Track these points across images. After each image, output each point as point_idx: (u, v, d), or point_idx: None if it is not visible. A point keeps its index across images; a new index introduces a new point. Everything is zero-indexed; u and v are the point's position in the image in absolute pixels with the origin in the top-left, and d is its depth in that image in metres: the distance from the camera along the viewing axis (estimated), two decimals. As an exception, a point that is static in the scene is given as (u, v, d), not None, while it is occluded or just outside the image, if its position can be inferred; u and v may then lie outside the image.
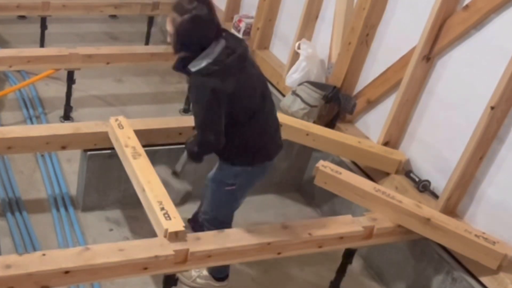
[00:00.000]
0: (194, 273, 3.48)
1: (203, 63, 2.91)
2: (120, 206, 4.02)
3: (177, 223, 2.98)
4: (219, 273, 3.49)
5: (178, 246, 2.92)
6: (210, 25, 2.95)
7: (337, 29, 4.42)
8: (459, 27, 3.50)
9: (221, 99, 2.92)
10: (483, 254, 3.20)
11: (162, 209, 3.03)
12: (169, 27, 2.94)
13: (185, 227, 2.99)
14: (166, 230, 2.93)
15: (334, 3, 4.45)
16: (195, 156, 3.16)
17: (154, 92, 5.53)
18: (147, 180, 3.22)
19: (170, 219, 2.99)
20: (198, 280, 3.49)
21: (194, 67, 2.94)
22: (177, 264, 2.93)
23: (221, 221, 3.34)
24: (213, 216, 3.35)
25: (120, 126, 3.64)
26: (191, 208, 3.70)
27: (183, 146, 3.26)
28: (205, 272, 3.49)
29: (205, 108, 2.95)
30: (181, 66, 3.00)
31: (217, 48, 2.93)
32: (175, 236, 2.95)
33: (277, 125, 3.28)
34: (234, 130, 3.04)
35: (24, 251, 3.48)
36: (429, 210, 3.42)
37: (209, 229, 3.26)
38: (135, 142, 3.51)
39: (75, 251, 2.83)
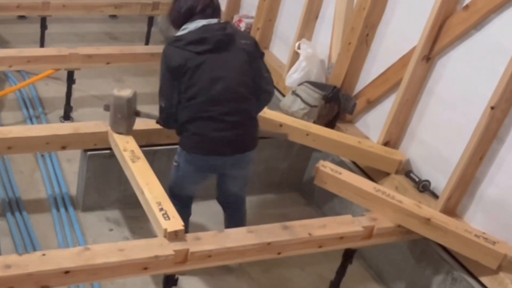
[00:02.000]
0: None
1: (174, 34, 3.21)
2: (120, 206, 4.02)
3: (176, 223, 2.98)
4: None
5: (178, 246, 2.92)
6: (196, 3, 3.18)
7: (337, 29, 4.42)
8: (459, 27, 3.50)
9: (173, 70, 3.11)
10: (483, 254, 3.20)
11: (161, 209, 3.04)
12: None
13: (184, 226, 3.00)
14: (166, 229, 2.93)
15: (334, 3, 4.45)
16: (160, 119, 3.36)
17: (154, 92, 5.46)
18: (146, 182, 3.23)
19: (169, 218, 3.00)
20: None
21: (169, 35, 3.28)
22: (177, 264, 2.93)
23: (174, 195, 3.34)
24: (169, 188, 3.39)
25: None
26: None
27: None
28: None
29: (161, 74, 3.22)
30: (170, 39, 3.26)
31: (192, 25, 3.16)
32: (174, 236, 2.95)
33: (227, 123, 3.15)
34: (182, 112, 3.16)
35: (24, 251, 3.48)
36: (429, 210, 3.42)
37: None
38: (133, 146, 3.52)
39: (75, 251, 2.83)
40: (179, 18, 3.22)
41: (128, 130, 3.58)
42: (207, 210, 4.00)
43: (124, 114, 3.50)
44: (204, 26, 3.15)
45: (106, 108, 3.58)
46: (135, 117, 3.60)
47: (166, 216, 3.00)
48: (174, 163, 3.36)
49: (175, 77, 3.13)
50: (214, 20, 3.21)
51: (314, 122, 4.20)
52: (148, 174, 3.30)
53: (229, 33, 3.19)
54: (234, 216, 3.61)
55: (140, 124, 3.84)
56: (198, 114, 3.15)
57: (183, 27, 3.19)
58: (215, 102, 3.13)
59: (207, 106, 3.12)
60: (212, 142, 3.17)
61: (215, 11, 3.24)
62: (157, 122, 3.43)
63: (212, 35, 3.13)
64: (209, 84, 3.12)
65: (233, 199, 3.57)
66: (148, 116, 3.56)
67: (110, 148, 3.71)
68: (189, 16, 3.19)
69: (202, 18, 3.18)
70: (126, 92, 3.50)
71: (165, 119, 3.31)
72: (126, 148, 3.50)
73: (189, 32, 3.15)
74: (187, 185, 3.41)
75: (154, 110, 5.16)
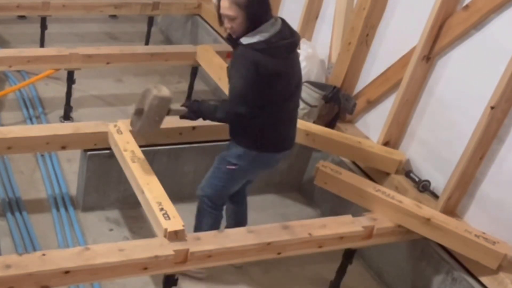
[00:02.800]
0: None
1: (254, 39, 2.98)
2: (120, 206, 4.02)
3: (176, 223, 2.98)
4: None
5: (178, 246, 2.92)
6: (268, 2, 3.06)
7: (337, 29, 4.42)
8: (459, 27, 3.50)
9: (261, 76, 2.98)
10: (483, 254, 3.20)
11: (162, 209, 3.04)
12: (231, 11, 2.97)
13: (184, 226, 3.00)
14: (166, 229, 2.93)
15: (334, 3, 4.45)
16: (214, 119, 3.15)
17: (154, 92, 5.52)
18: (146, 182, 3.23)
19: (169, 218, 3.00)
20: None
21: (245, 41, 3.00)
22: (177, 264, 2.94)
23: (214, 202, 3.35)
24: (207, 194, 3.36)
25: (119, 131, 3.64)
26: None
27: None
28: None
29: (245, 79, 2.99)
30: (235, 39, 3.06)
31: (271, 29, 3.01)
32: (174, 236, 2.95)
33: (295, 123, 3.32)
34: (258, 113, 3.07)
35: (24, 251, 3.48)
36: (429, 210, 3.42)
37: (201, 208, 3.35)
38: (134, 146, 3.52)
39: (75, 251, 2.83)
40: (261, 19, 3.01)
41: (155, 130, 3.28)
42: (207, 210, 3.99)
43: (163, 115, 3.16)
44: (281, 30, 3.04)
45: (139, 112, 3.16)
46: None
47: (166, 216, 3.01)
48: (230, 167, 3.26)
49: (265, 84, 3.00)
50: (278, 19, 3.11)
51: (314, 122, 4.20)
52: (148, 174, 3.30)
53: (297, 35, 3.17)
54: (241, 208, 3.66)
55: (140, 124, 3.84)
56: (284, 118, 3.19)
57: (260, 28, 3.00)
58: (295, 106, 3.23)
59: (291, 111, 3.21)
60: (286, 139, 3.27)
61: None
62: (182, 117, 3.22)
63: (294, 40, 3.10)
64: (292, 92, 3.17)
65: (243, 193, 3.62)
66: (178, 112, 3.22)
67: (110, 148, 3.71)
68: (265, 18, 3.03)
69: (270, 16, 3.07)
70: (166, 91, 3.13)
71: (234, 121, 3.17)
72: (127, 148, 3.50)
73: (273, 36, 3.00)
74: (237, 185, 3.40)
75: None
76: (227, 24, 3.04)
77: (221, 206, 3.44)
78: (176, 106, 3.22)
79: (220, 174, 3.32)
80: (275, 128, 3.19)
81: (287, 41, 3.05)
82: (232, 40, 3.08)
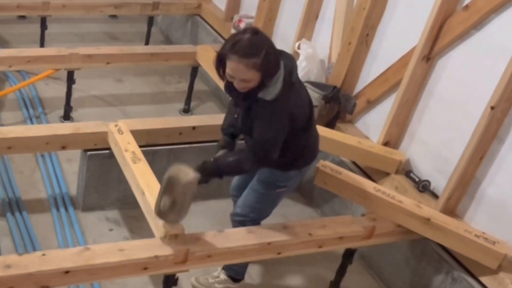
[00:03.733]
0: (211, 279, 3.49)
1: (276, 89, 2.80)
2: (120, 206, 4.02)
3: (176, 226, 2.98)
4: (239, 274, 3.50)
5: (178, 246, 2.92)
6: (274, 46, 2.85)
7: (337, 29, 4.42)
8: (459, 27, 3.50)
9: (293, 119, 2.89)
10: (483, 254, 3.20)
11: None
12: (247, 75, 2.74)
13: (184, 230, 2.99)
14: (166, 232, 2.93)
15: (334, 3, 4.45)
16: (241, 172, 3.16)
17: (154, 92, 5.53)
18: (147, 184, 3.23)
19: None
20: (217, 285, 3.48)
21: (269, 95, 2.80)
22: (177, 264, 2.94)
23: (258, 222, 3.32)
24: (250, 218, 3.28)
25: (120, 131, 3.65)
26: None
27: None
28: (222, 276, 3.49)
29: (278, 130, 2.86)
30: (245, 97, 2.87)
31: (280, 71, 2.83)
32: (174, 236, 2.95)
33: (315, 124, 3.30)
34: (291, 141, 2.99)
35: (24, 251, 3.48)
36: (429, 210, 3.42)
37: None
38: (134, 147, 3.52)
39: (75, 251, 2.83)
40: (274, 73, 2.82)
41: None
42: (207, 210, 4.00)
43: (194, 195, 2.88)
44: (284, 64, 2.87)
45: (172, 204, 2.84)
46: None
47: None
48: (280, 190, 3.21)
49: (296, 121, 2.92)
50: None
51: (314, 122, 4.20)
52: (148, 176, 3.30)
53: (290, 56, 3.05)
54: None
55: (140, 124, 3.84)
56: (313, 135, 3.19)
57: (275, 78, 2.82)
58: (313, 114, 3.15)
59: (313, 124, 3.16)
60: (314, 149, 3.26)
61: None
62: (201, 182, 2.89)
63: (296, 71, 2.97)
64: (308, 104, 3.06)
65: None
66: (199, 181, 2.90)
67: (110, 148, 3.71)
68: (279, 67, 2.84)
69: None
70: (190, 172, 2.81)
71: (265, 166, 3.09)
72: (128, 148, 3.50)
73: (285, 76, 2.84)
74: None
75: (154, 109, 5.19)
76: (238, 84, 2.80)
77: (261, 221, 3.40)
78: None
79: (270, 198, 3.26)
80: (312, 141, 3.20)
81: (294, 72, 2.92)
82: (243, 97, 2.87)
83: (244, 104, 2.92)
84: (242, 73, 2.74)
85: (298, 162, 3.16)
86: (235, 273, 3.48)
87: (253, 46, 2.72)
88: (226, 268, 3.47)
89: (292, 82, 2.88)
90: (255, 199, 3.25)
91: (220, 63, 2.83)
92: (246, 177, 3.37)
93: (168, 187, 2.79)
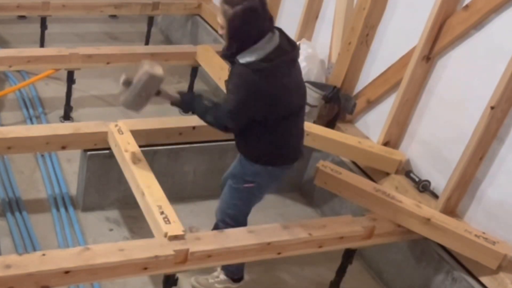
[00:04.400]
0: (211, 280, 3.50)
1: (252, 58, 2.87)
2: (120, 206, 4.02)
3: (176, 227, 2.98)
4: (236, 274, 3.50)
5: (178, 246, 2.92)
6: (262, 18, 2.89)
7: (337, 29, 4.42)
8: (459, 27, 3.50)
9: (258, 98, 2.90)
10: (483, 254, 3.20)
11: (162, 213, 3.04)
12: (220, 19, 2.90)
13: (184, 231, 3.00)
14: (166, 233, 2.93)
15: (334, 3, 4.45)
16: (203, 118, 3.12)
17: (154, 92, 5.52)
18: (147, 184, 3.23)
19: (169, 223, 2.99)
20: (217, 285, 3.49)
21: (242, 59, 2.88)
22: (177, 264, 2.94)
23: (237, 221, 3.31)
24: (228, 215, 3.30)
25: (120, 131, 3.64)
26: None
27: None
28: (222, 276, 3.49)
29: (240, 99, 2.92)
30: (229, 55, 2.96)
31: (269, 46, 2.89)
32: (175, 238, 2.95)
33: (303, 133, 3.28)
34: (264, 130, 3.03)
35: (24, 251, 3.48)
36: (429, 210, 3.42)
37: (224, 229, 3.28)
38: (134, 147, 3.52)
39: (75, 251, 2.83)
40: (254, 37, 2.89)
41: (141, 109, 3.16)
42: (207, 210, 4.00)
43: (151, 94, 3.08)
44: (280, 44, 2.94)
45: (127, 83, 3.08)
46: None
47: (167, 220, 3.01)
48: (247, 185, 3.19)
49: (262, 104, 2.93)
50: (275, 31, 2.99)
51: (314, 122, 4.20)
52: (149, 177, 3.30)
53: (297, 46, 3.09)
54: None
55: (140, 124, 3.84)
56: (293, 131, 3.15)
57: (256, 47, 2.88)
58: (302, 118, 3.17)
59: (299, 122, 3.16)
60: (297, 150, 3.23)
61: (272, 19, 3.03)
62: (172, 104, 3.19)
63: (295, 52, 3.01)
64: (297, 104, 3.09)
65: None
66: (168, 97, 3.17)
67: (110, 148, 3.71)
68: (264, 33, 2.90)
69: (269, 29, 2.93)
70: (159, 71, 3.07)
71: (219, 129, 3.12)
72: (128, 149, 3.50)
73: (271, 53, 2.89)
74: (256, 202, 3.36)
75: (154, 109, 5.19)
76: (219, 30, 2.97)
77: (245, 223, 3.38)
78: (170, 91, 3.20)
79: (240, 193, 3.25)
80: (288, 142, 3.15)
81: (287, 56, 2.95)
82: (226, 55, 2.98)
83: (229, 64, 3.01)
84: (218, 15, 2.92)
85: (264, 157, 3.13)
86: (232, 273, 3.48)
87: None
88: (224, 268, 3.48)
89: (275, 64, 2.89)
90: (228, 194, 3.29)
91: None
92: None
93: (136, 71, 3.07)
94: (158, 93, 3.12)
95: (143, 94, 3.06)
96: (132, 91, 3.05)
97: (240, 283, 3.52)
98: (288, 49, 2.97)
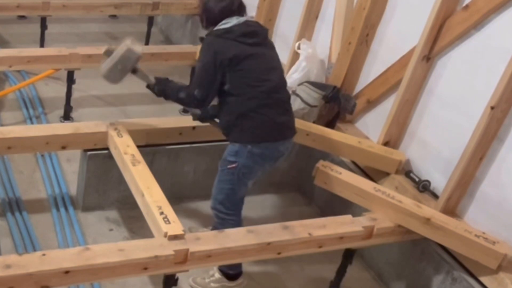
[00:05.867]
0: (207, 279, 3.50)
1: (214, 31, 3.24)
2: (120, 206, 4.02)
3: (176, 227, 2.98)
4: (231, 270, 3.48)
5: (178, 246, 2.92)
6: (231, 2, 3.28)
7: (337, 29, 4.42)
8: (459, 27, 3.50)
9: (220, 62, 3.13)
10: (483, 254, 3.20)
11: (162, 213, 3.04)
12: (198, 3, 3.28)
13: (184, 231, 3.00)
14: (166, 233, 2.93)
15: (334, 3, 4.45)
16: (175, 97, 3.35)
17: (154, 92, 5.52)
18: (147, 186, 3.23)
19: (169, 223, 2.99)
20: (212, 285, 3.49)
21: (205, 33, 3.28)
22: (177, 264, 2.93)
23: (228, 207, 3.32)
24: (220, 201, 3.34)
25: (119, 134, 3.64)
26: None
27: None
28: (217, 275, 3.49)
29: (203, 65, 3.19)
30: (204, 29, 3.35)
31: (234, 21, 3.23)
32: (175, 238, 2.95)
33: (288, 112, 3.36)
34: (235, 101, 3.19)
35: (24, 251, 3.48)
36: (429, 210, 3.42)
37: (219, 218, 3.34)
38: (134, 150, 3.52)
39: (75, 251, 2.83)
40: (217, 14, 3.27)
41: (117, 82, 3.49)
42: (207, 210, 3.99)
43: (126, 68, 3.39)
44: (246, 21, 3.27)
45: (108, 53, 3.40)
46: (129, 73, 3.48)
47: (167, 220, 3.00)
48: (230, 166, 3.26)
49: (225, 69, 3.15)
50: (247, 17, 3.34)
51: (314, 122, 4.20)
52: (148, 178, 3.30)
53: (266, 28, 3.40)
54: None
55: (140, 124, 3.84)
56: (265, 101, 3.22)
57: (224, 21, 3.24)
58: (275, 89, 3.27)
59: (271, 93, 3.25)
60: (280, 126, 3.29)
61: (245, 9, 3.38)
62: (148, 87, 3.48)
63: (260, 29, 3.31)
64: (267, 74, 3.25)
65: None
66: (144, 77, 3.48)
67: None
68: (228, 13, 3.26)
69: (238, 15, 3.29)
70: (139, 48, 3.41)
71: (187, 103, 3.41)
72: (127, 151, 3.50)
73: (236, 25, 3.21)
74: (244, 186, 3.35)
75: (154, 109, 5.20)
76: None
77: (238, 211, 3.40)
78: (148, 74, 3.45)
79: (225, 176, 3.30)
80: (260, 116, 3.20)
81: (250, 28, 3.23)
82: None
83: None
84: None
85: (245, 134, 3.22)
86: (226, 268, 3.45)
87: None
88: (219, 266, 3.48)
89: (235, 30, 3.19)
90: (217, 179, 3.38)
91: None
92: None
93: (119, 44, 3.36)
94: (135, 71, 3.41)
95: (119, 67, 3.35)
96: (110, 61, 3.36)
97: (238, 280, 3.51)
98: (254, 25, 3.30)
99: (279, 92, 3.30)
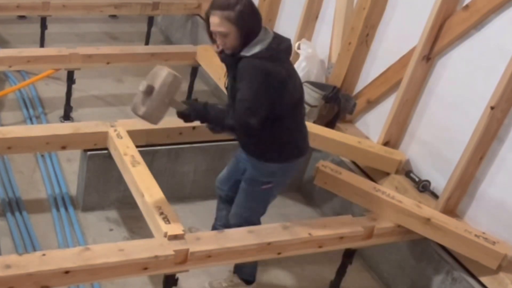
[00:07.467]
0: (224, 284, 3.50)
1: (256, 49, 2.90)
2: (120, 206, 4.02)
3: (176, 227, 2.98)
4: (250, 276, 3.51)
5: (178, 246, 2.92)
6: (259, 12, 3.00)
7: (337, 29, 4.42)
8: (459, 27, 3.50)
9: (272, 84, 2.90)
10: (483, 254, 3.20)
11: (161, 213, 3.04)
12: (223, 27, 2.88)
13: (184, 230, 3.00)
14: (166, 233, 2.93)
15: (334, 3, 4.45)
16: (221, 125, 2.99)
17: (154, 92, 5.52)
18: (146, 186, 3.23)
19: (169, 223, 3.00)
20: None
21: (247, 52, 2.90)
22: (177, 264, 2.94)
23: (254, 222, 3.29)
24: (245, 218, 3.27)
25: (119, 136, 3.64)
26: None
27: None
28: (236, 280, 3.50)
29: (256, 91, 2.86)
30: (234, 54, 2.94)
31: (267, 36, 2.95)
32: (175, 238, 2.95)
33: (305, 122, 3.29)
34: (275, 124, 3.01)
35: (24, 251, 3.48)
36: (429, 210, 3.42)
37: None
38: (133, 151, 3.52)
39: (75, 251, 2.83)
40: (258, 30, 2.94)
41: (161, 120, 2.89)
42: (207, 210, 4.00)
43: (173, 98, 2.85)
44: (274, 35, 2.99)
45: (148, 90, 2.78)
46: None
47: (167, 220, 3.01)
48: (265, 186, 3.17)
49: (276, 92, 2.92)
50: (265, 26, 3.04)
51: (314, 122, 4.20)
52: (148, 179, 3.31)
53: (285, 38, 3.13)
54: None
55: (140, 124, 3.84)
56: (300, 119, 3.16)
57: (256, 40, 2.92)
58: (301, 103, 3.18)
59: (302, 109, 3.17)
60: (305, 140, 3.24)
61: None
62: (179, 114, 2.99)
63: (285, 42, 3.04)
64: (299, 90, 3.13)
65: None
66: (178, 105, 2.96)
67: (110, 148, 3.71)
68: (258, 29, 2.95)
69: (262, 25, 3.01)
70: (178, 75, 2.88)
71: (245, 134, 3.08)
72: (127, 152, 3.51)
73: (273, 41, 2.94)
74: (271, 201, 3.33)
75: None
76: (219, 41, 2.94)
77: (259, 221, 3.38)
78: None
79: (257, 196, 3.24)
80: (297, 134, 3.16)
81: (284, 44, 3.01)
82: (228, 55, 2.96)
83: (232, 66, 2.97)
84: (218, 26, 2.90)
85: (278, 153, 3.11)
86: (247, 275, 3.49)
87: (228, 0, 2.88)
88: (237, 272, 3.48)
89: (278, 52, 2.94)
90: (244, 198, 3.27)
91: (208, 24, 2.99)
92: (234, 171, 3.38)
93: (151, 77, 2.82)
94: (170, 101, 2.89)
95: (166, 100, 2.82)
96: (156, 97, 2.78)
97: (254, 284, 3.54)
98: (283, 39, 3.04)
99: (304, 106, 3.24)
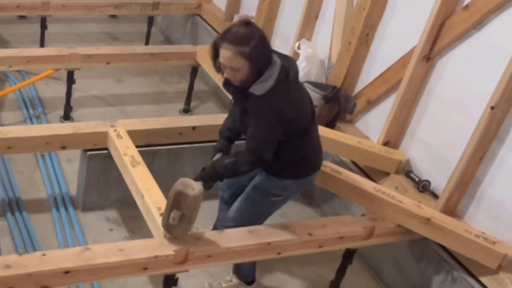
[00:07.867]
0: (224, 284, 3.50)
1: (267, 86, 2.83)
2: (120, 206, 4.02)
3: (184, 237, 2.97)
4: (247, 277, 3.51)
5: (178, 246, 2.92)
6: (269, 42, 2.93)
7: (337, 29, 4.42)
8: (459, 27, 3.50)
9: (285, 119, 2.86)
10: (483, 254, 3.20)
11: (161, 214, 3.03)
12: (235, 63, 2.79)
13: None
14: (166, 233, 2.93)
15: (334, 3, 4.45)
16: (238, 174, 3.01)
17: (154, 92, 5.53)
18: (146, 187, 3.23)
19: None
20: None
21: (259, 90, 2.83)
22: (177, 264, 2.94)
23: (245, 224, 3.26)
24: (244, 224, 3.22)
25: (119, 136, 3.64)
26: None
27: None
28: (235, 280, 3.50)
29: (270, 128, 2.86)
30: (238, 90, 2.91)
31: (275, 69, 2.85)
32: (175, 238, 2.95)
33: (319, 136, 3.24)
34: (288, 146, 2.98)
35: (24, 251, 3.48)
36: (429, 210, 3.42)
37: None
38: (133, 151, 3.52)
39: (75, 251, 2.83)
40: (269, 59, 2.87)
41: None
42: (207, 210, 3.99)
43: (197, 211, 2.90)
44: (281, 64, 2.89)
45: (182, 218, 2.84)
46: None
47: (167, 220, 3.00)
48: (275, 198, 3.16)
49: (290, 123, 2.89)
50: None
51: (314, 122, 4.20)
52: (148, 179, 3.31)
53: (289, 58, 3.08)
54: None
55: (140, 124, 3.84)
56: (316, 136, 3.16)
57: (267, 75, 2.84)
58: (314, 119, 3.11)
59: (313, 125, 3.11)
60: (320, 155, 3.22)
61: None
62: (197, 179, 2.93)
63: (294, 71, 2.97)
64: (311, 107, 3.09)
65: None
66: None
67: (110, 148, 3.71)
68: (270, 62, 2.87)
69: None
70: (197, 186, 2.85)
71: (260, 167, 3.06)
72: (127, 153, 3.51)
73: (280, 76, 2.85)
74: (277, 209, 3.32)
75: (154, 109, 5.19)
76: (229, 74, 2.85)
77: None
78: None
79: (264, 205, 3.22)
80: (311, 151, 3.16)
81: (292, 73, 2.93)
82: (236, 88, 2.91)
83: (240, 99, 2.94)
84: (231, 61, 2.79)
85: (293, 171, 3.10)
86: (244, 276, 3.49)
87: (243, 35, 2.79)
88: (236, 272, 3.48)
89: (287, 83, 2.88)
90: (249, 205, 3.22)
91: (216, 54, 2.88)
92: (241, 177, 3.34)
93: (176, 202, 2.81)
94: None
95: (198, 212, 2.90)
96: (191, 220, 2.88)
97: (253, 284, 3.53)
98: (290, 66, 2.94)
99: (317, 126, 3.20)
